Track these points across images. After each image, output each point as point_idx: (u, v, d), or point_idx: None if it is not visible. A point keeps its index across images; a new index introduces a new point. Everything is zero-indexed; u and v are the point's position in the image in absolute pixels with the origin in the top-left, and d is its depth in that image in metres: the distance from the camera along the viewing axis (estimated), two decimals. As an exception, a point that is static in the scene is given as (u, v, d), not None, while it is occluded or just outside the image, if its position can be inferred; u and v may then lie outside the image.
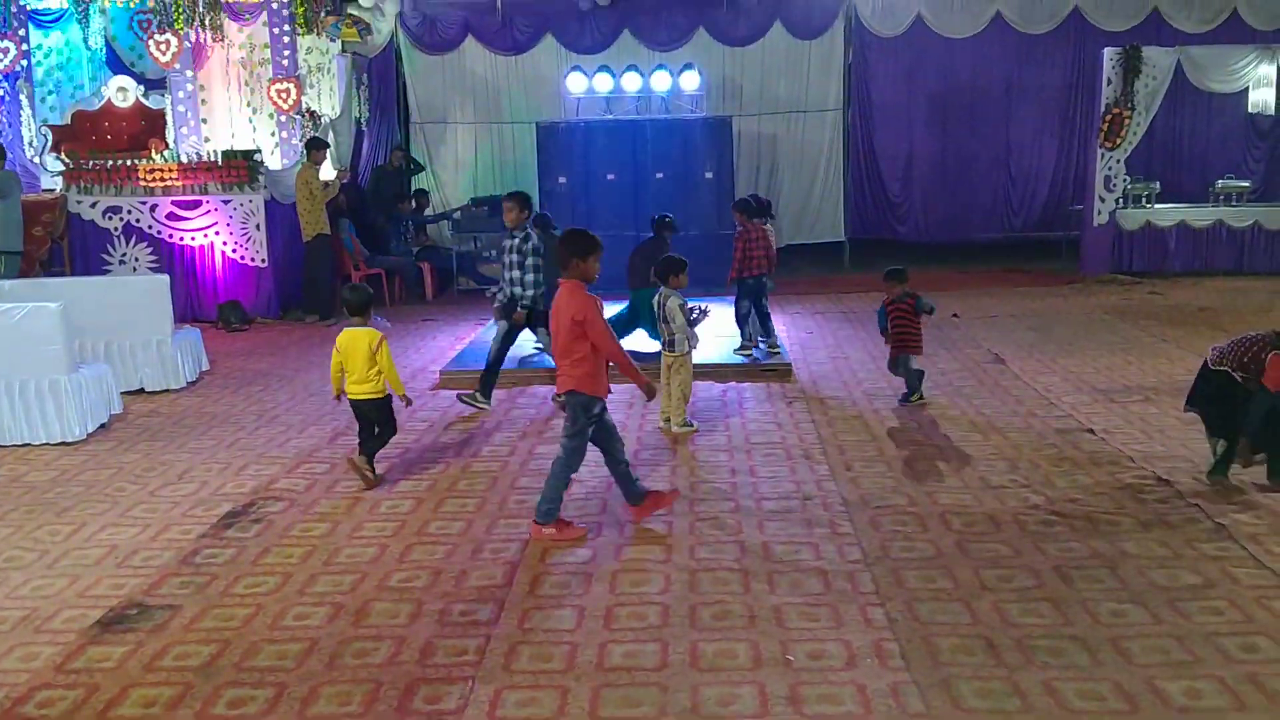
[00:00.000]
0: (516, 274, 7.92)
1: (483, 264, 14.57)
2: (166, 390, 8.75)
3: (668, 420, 7.27)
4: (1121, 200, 13.87)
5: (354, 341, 6.18)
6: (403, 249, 14.10)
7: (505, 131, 16.08)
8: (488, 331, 11.07)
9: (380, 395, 6.22)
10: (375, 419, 6.26)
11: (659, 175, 13.89)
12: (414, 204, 14.80)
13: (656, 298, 7.28)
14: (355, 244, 13.23)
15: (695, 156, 13.91)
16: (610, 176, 14.00)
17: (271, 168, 12.45)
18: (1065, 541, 5.04)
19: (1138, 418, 7.24)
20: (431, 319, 12.31)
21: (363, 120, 15.07)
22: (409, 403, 6.52)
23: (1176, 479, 5.88)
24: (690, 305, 7.25)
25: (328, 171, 12.65)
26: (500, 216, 14.50)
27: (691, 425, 7.21)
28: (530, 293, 7.85)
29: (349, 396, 6.24)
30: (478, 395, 7.96)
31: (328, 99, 13.86)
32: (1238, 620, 4.18)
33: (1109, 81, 13.50)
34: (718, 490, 5.94)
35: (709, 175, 13.90)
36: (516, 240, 7.98)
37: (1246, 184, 14.37)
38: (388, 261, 13.70)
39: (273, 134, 12.95)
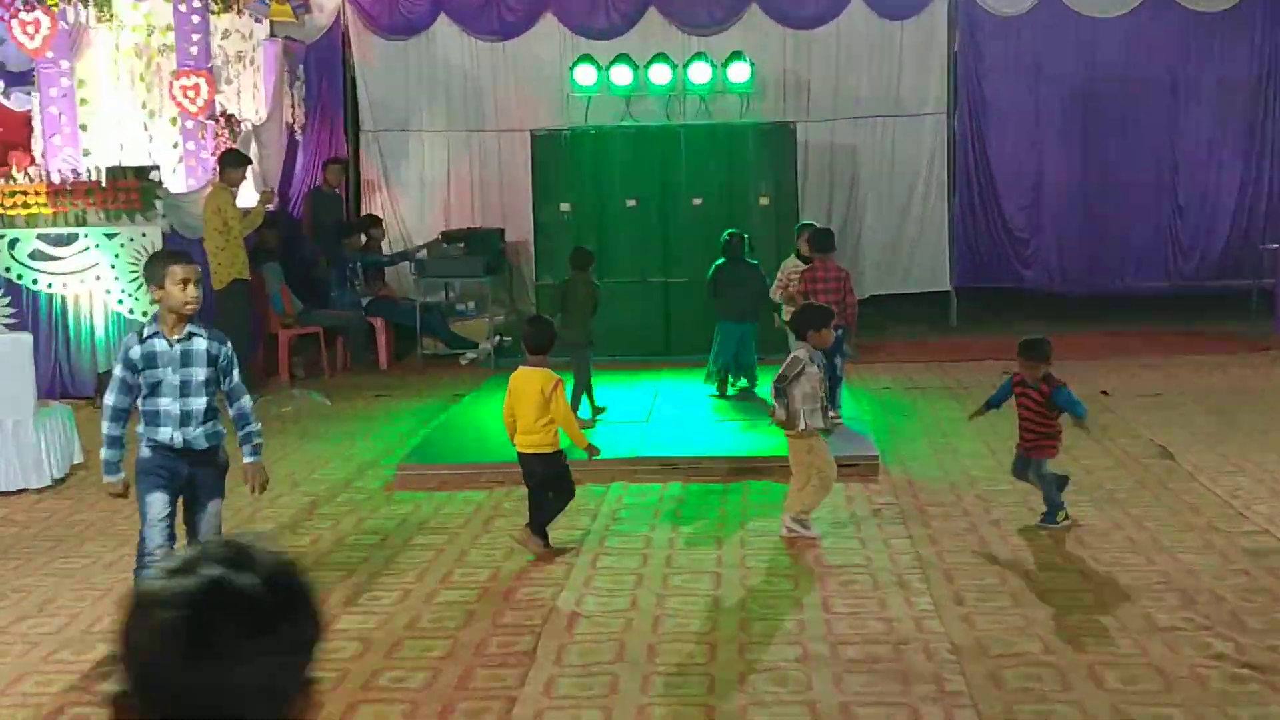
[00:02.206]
0: None
1: (457, 320, 14.68)
2: (24, 490, 8.78)
3: (790, 530, 7.39)
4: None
5: (527, 384, 6.96)
6: (348, 300, 14.22)
7: (489, 142, 16.33)
8: (463, 412, 11.12)
9: (551, 449, 7.01)
10: (545, 479, 7.05)
11: (696, 201, 14.02)
12: (363, 239, 14.95)
13: (797, 355, 7.38)
14: (285, 294, 13.37)
15: (746, 176, 14.06)
16: (630, 203, 14.14)
17: (173, 190, 12.64)
18: (1264, 705, 4.97)
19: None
20: (387, 395, 12.37)
21: (297, 127, 15.31)
22: (592, 454, 7.29)
23: None
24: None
25: (249, 196, 12.82)
26: (479, 257, 14.75)
27: (806, 527, 7.32)
28: None
29: (519, 450, 7.08)
30: None
31: (250, 99, 14.09)
32: None
33: (1311, 75, 13.59)
34: (779, 631, 5.90)
35: (764, 201, 14.03)
36: None
37: None
38: (327, 317, 13.84)
39: (175, 145, 13.14)
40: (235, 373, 5.84)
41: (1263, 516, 7.56)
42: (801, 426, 7.34)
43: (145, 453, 5.73)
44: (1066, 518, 7.52)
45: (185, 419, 5.63)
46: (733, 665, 5.50)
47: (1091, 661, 5.46)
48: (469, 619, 6.16)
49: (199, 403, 5.66)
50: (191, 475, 5.76)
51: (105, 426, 5.76)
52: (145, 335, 5.66)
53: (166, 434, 5.64)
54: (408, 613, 6.27)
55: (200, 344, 5.67)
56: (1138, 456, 9.16)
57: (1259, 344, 13.77)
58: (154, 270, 5.72)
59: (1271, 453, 9.14)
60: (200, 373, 5.66)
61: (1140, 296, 16.47)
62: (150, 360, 5.61)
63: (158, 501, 5.67)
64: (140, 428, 5.72)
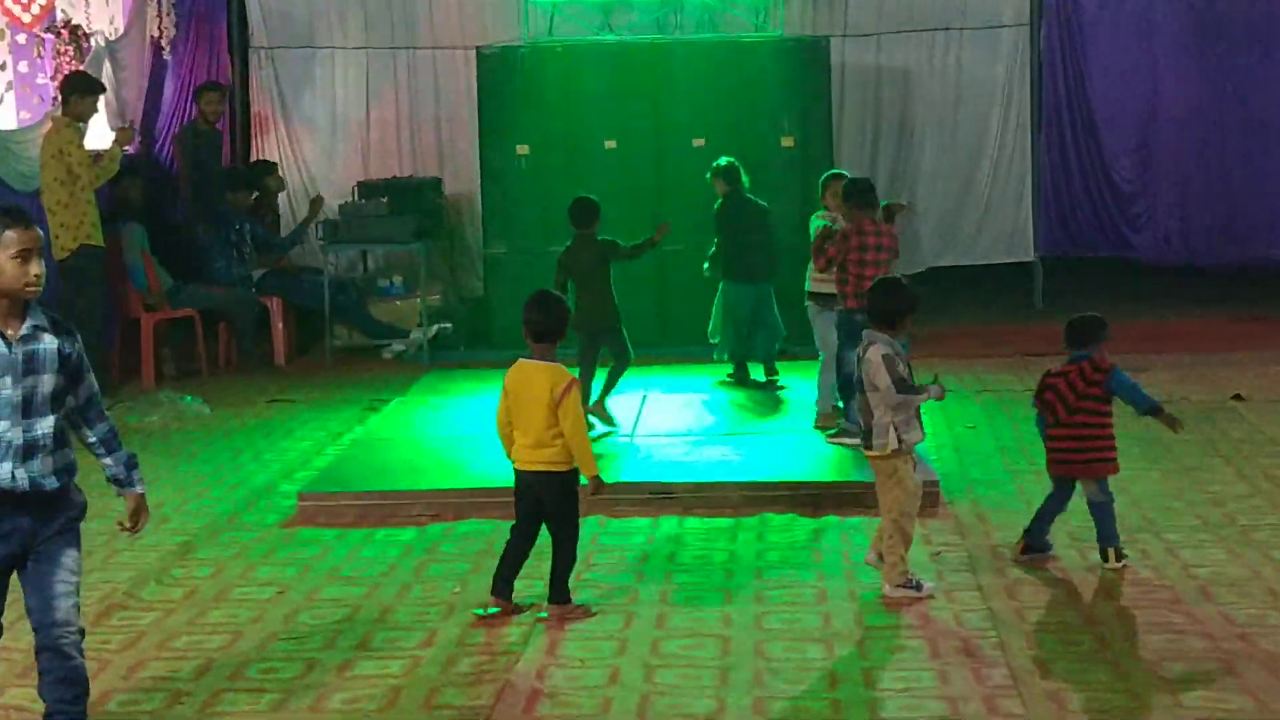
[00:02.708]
0: None
1: (379, 300, 14.64)
2: None
3: (881, 558, 7.44)
4: None
5: (529, 382, 6.92)
6: (234, 274, 14.17)
7: (422, 64, 16.37)
8: (387, 422, 11.11)
9: (561, 468, 6.99)
10: (551, 507, 7.06)
11: (698, 142, 14.04)
12: (254, 194, 14.91)
13: (883, 351, 7.38)
14: (149, 264, 13.32)
15: (764, 109, 14.09)
16: (610, 144, 14.16)
17: (1, 126, 12.61)
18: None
19: None
20: (286, 399, 12.37)
21: (165, 43, 15.27)
22: (598, 488, 7.17)
23: None
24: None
25: (102, 135, 12.79)
26: (409, 216, 14.78)
27: (917, 588, 7.31)
28: None
29: (515, 466, 7.10)
30: None
31: (103, 5, 14.06)
32: None
33: None
34: (806, 712, 5.92)
35: (787, 143, 14.07)
36: None
37: None
38: (206, 296, 13.80)
39: (2, 66, 13.12)
40: (90, 377, 5.29)
41: None
42: (892, 445, 7.35)
43: None
44: (1120, 557, 7.68)
45: (30, 450, 5.03)
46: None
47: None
48: (393, 699, 6.15)
49: (47, 424, 5.07)
50: (34, 528, 5.13)
51: None
52: None
53: (4, 472, 5.01)
54: (310, 693, 6.25)
55: (48, 342, 5.08)
56: (1282, 482, 9.21)
57: None
58: None
59: None
60: (49, 381, 5.07)
61: (1285, 271, 16.55)
62: None
63: None
64: None
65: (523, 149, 14.23)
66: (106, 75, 13.62)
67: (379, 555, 8.12)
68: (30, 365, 4.99)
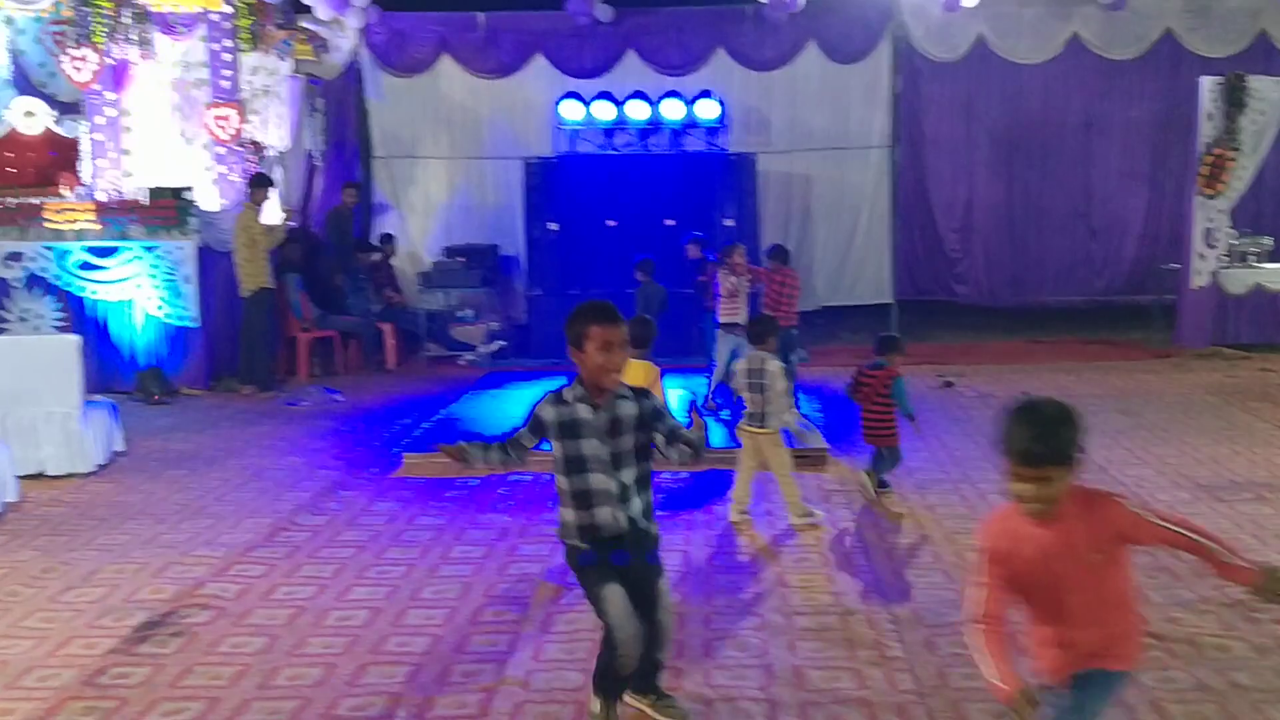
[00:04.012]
0: None
1: (456, 326, 14.68)
2: (72, 475, 8.74)
3: (744, 512, 7.39)
4: (1225, 258, 13.96)
5: (631, 374, 6.93)
6: (361, 307, 14.19)
7: (486, 168, 16.30)
8: (460, 408, 11.10)
9: None
10: None
11: (669, 222, 14.05)
12: (382, 254, 14.94)
13: (742, 361, 7.48)
14: (304, 301, 13.34)
15: (713, 200, 14.12)
16: (610, 223, 14.18)
17: (206, 209, 12.60)
18: (1164, 670, 5.00)
19: (1249, 520, 7.21)
20: (393, 390, 12.34)
21: (316, 154, 15.28)
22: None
23: (1298, 595, 5.83)
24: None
25: (273, 214, 12.80)
26: (476, 270, 14.82)
27: (816, 513, 7.34)
28: None
29: None
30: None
31: (275, 128, 14.06)
32: (1377, 769, 4.13)
33: (1209, 117, 13.67)
34: (738, 602, 5.92)
35: (729, 222, 14.09)
36: None
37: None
38: (342, 322, 13.81)
39: (208, 169, 13.11)
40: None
41: (1163, 504, 7.59)
42: (770, 427, 7.33)
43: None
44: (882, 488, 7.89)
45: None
46: (697, 634, 5.51)
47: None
48: (465, 591, 6.15)
49: (630, 474, 4.33)
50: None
51: None
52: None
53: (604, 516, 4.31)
54: (411, 585, 6.26)
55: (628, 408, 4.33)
56: (1055, 450, 9.19)
57: (1161, 351, 13.90)
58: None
59: (1171, 447, 9.21)
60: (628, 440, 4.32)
61: (1058, 309, 16.56)
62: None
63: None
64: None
65: (553, 225, 14.25)
66: (276, 175, 13.62)
67: (456, 495, 8.10)
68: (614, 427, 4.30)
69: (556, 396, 4.40)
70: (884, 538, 6.99)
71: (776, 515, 7.49)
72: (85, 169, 12.84)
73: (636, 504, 4.34)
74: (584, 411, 4.32)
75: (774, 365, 7.28)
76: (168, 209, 12.06)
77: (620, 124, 14.87)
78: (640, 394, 4.40)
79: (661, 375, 7.31)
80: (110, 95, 12.73)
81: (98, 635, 5.59)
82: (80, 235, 12.08)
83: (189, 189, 12.36)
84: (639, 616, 4.27)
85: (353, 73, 16.00)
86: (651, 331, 7.56)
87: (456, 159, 16.36)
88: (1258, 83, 13.70)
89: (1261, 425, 9.97)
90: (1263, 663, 5.06)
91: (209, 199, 12.92)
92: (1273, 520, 7.19)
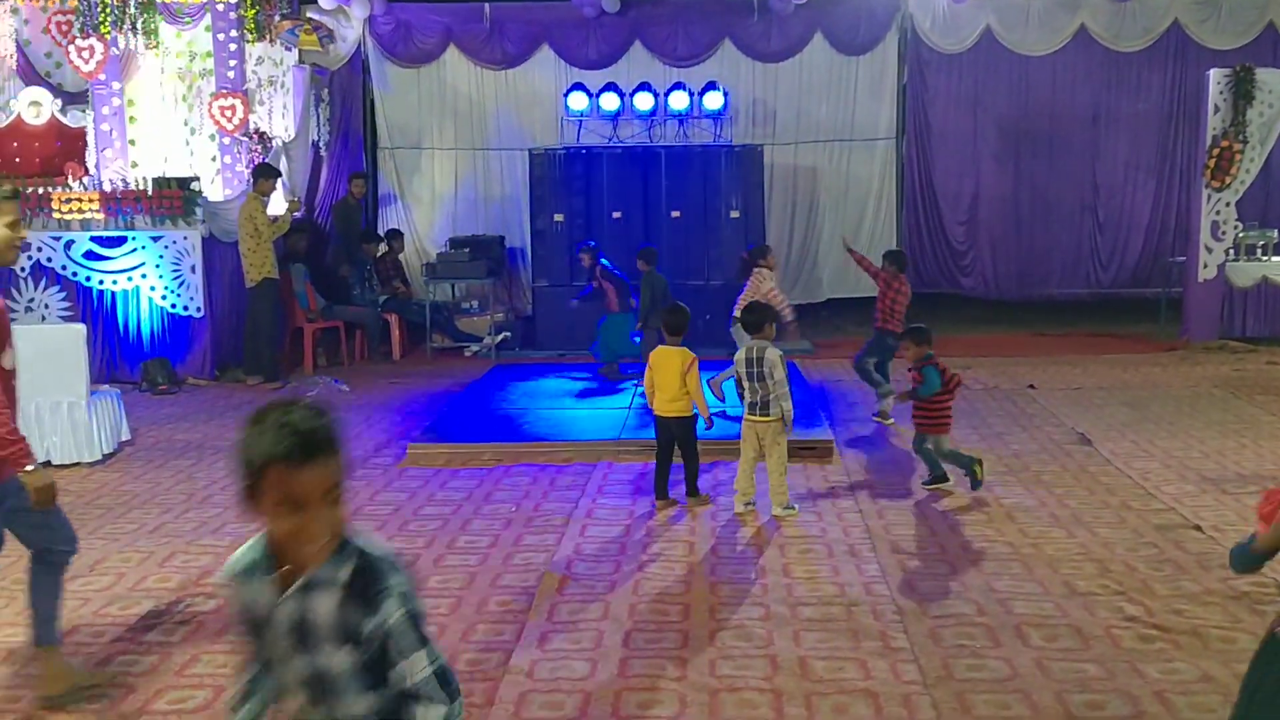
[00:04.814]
0: None
1: (461, 317, 14.68)
2: (78, 464, 8.78)
3: (749, 503, 7.39)
4: (1232, 251, 13.94)
5: (667, 360, 7.48)
6: (366, 298, 14.18)
7: (492, 159, 16.30)
8: (463, 398, 11.11)
9: (688, 415, 7.53)
10: (679, 437, 7.55)
11: (675, 214, 14.08)
12: (382, 247, 14.90)
13: (743, 352, 7.38)
14: (309, 292, 13.33)
15: (719, 192, 14.09)
16: (616, 214, 14.18)
17: (211, 199, 12.61)
18: (1169, 661, 5.01)
19: (1254, 512, 7.20)
20: (398, 381, 12.36)
21: (321, 144, 15.28)
22: (710, 424, 7.61)
23: (1303, 587, 5.84)
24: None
25: (278, 205, 12.80)
26: (482, 261, 14.79)
27: (794, 508, 7.32)
28: None
29: (658, 414, 7.60)
30: None
31: (281, 118, 14.07)
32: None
33: (1216, 109, 13.64)
34: (743, 592, 5.92)
35: (735, 214, 14.07)
36: None
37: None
38: (348, 313, 13.80)
39: (214, 159, 13.14)
40: None
41: (1170, 496, 7.61)
42: (773, 415, 7.30)
43: None
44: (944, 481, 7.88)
45: None
46: (703, 624, 5.51)
47: (1018, 622, 5.48)
48: (470, 580, 6.17)
49: None
50: None
51: None
52: None
53: None
54: (416, 576, 6.26)
55: None
56: (1061, 443, 9.20)
57: (1167, 345, 13.86)
58: None
59: (1177, 440, 9.20)
60: None
61: (1064, 302, 16.53)
62: None
63: None
64: None
65: (558, 217, 14.22)
66: (282, 165, 13.60)
67: (461, 486, 8.12)
68: None
69: (248, 551, 2.58)
70: (889, 529, 6.99)
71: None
72: (91, 159, 12.89)
73: None
74: (263, 591, 2.51)
75: (773, 354, 7.25)
76: (173, 199, 12.05)
77: (626, 115, 14.86)
78: (367, 577, 2.51)
79: (698, 364, 7.46)
80: (116, 85, 12.79)
81: (104, 624, 5.62)
82: (86, 225, 12.08)
83: (195, 179, 12.35)
84: None
85: (358, 63, 16.00)
86: (685, 318, 7.65)
87: (462, 150, 16.36)
88: (1266, 75, 13.66)
89: (1268, 418, 9.96)
90: (1268, 655, 5.06)
91: (214, 189, 12.95)
92: (1279, 513, 7.18)
